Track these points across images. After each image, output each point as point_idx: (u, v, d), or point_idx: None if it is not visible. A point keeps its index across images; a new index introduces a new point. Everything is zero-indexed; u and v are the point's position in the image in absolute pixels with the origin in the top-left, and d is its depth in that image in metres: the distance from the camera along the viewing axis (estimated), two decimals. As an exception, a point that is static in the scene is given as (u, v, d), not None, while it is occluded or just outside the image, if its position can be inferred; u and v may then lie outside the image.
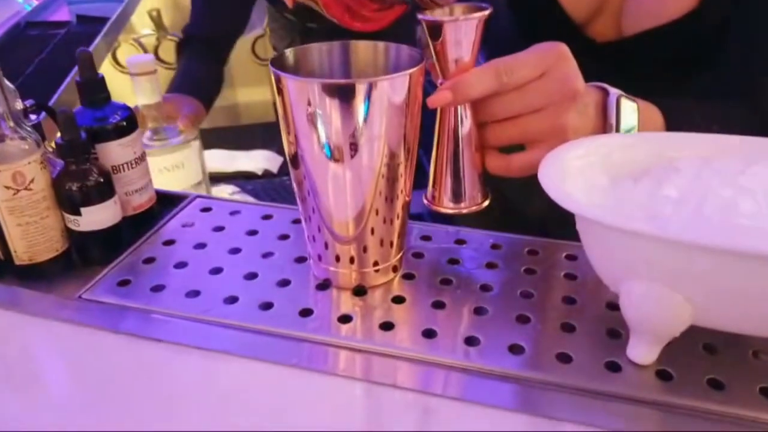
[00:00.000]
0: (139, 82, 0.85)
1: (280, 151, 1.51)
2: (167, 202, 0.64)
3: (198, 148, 0.95)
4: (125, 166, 0.58)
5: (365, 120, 0.44)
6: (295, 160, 0.48)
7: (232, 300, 0.50)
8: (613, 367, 0.42)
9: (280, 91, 0.45)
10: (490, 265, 0.53)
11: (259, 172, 1.49)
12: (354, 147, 0.45)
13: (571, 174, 0.43)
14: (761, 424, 0.38)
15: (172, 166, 0.91)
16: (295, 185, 0.50)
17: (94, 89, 0.58)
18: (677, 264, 0.37)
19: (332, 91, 0.43)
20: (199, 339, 0.46)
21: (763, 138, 0.46)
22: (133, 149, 0.59)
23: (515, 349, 0.44)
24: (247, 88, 1.91)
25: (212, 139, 1.42)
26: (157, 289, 0.52)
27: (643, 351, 0.42)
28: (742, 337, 0.44)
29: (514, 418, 0.39)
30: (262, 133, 1.69)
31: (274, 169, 1.51)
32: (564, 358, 0.43)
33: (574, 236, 0.43)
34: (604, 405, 0.40)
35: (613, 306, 0.48)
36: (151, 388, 0.43)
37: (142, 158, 0.60)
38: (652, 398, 0.40)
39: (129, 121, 0.58)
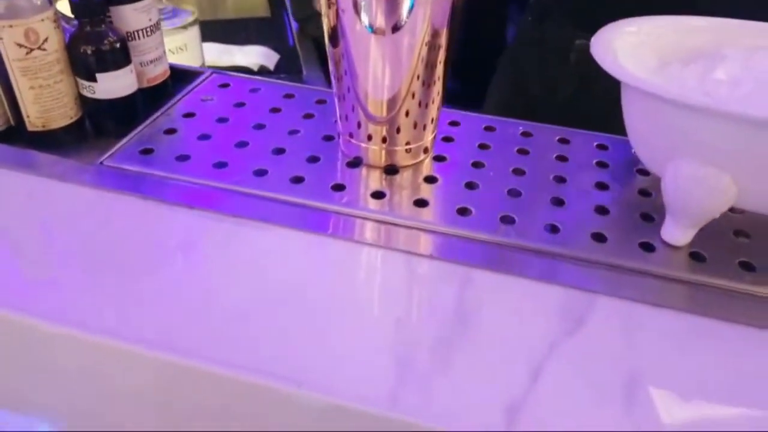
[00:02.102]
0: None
1: (276, 48, 1.45)
2: (182, 77, 0.62)
3: (197, 33, 0.91)
4: (140, 33, 0.55)
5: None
6: (335, 36, 0.46)
7: (262, 173, 0.49)
8: (647, 248, 0.43)
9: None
10: (522, 151, 0.53)
11: (255, 68, 1.44)
12: (397, 22, 0.43)
13: (623, 51, 0.42)
14: (788, 304, 0.40)
15: (176, 48, 0.87)
16: (331, 63, 0.48)
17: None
18: (730, 142, 0.37)
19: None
20: (232, 207, 0.46)
21: None
22: (148, 15, 0.56)
23: (551, 229, 0.44)
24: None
25: (204, 31, 1.36)
26: (183, 158, 0.50)
27: (678, 233, 0.42)
28: (772, 225, 0.45)
29: (548, 289, 0.40)
30: (256, 28, 1.62)
31: (271, 65, 1.45)
32: (599, 238, 0.44)
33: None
34: (637, 280, 0.41)
35: (645, 192, 0.48)
36: (184, 254, 0.42)
37: (157, 26, 0.57)
38: (685, 277, 0.41)
39: (144, -15, 0.55)
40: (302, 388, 0.34)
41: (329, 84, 0.50)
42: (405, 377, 0.34)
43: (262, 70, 1.44)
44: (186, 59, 0.89)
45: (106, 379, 0.39)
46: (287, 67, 1.37)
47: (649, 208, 0.46)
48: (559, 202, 0.47)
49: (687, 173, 0.39)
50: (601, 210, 0.46)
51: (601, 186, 0.49)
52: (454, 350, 0.36)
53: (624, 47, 0.42)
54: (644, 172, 0.50)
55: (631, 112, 0.41)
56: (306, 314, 0.38)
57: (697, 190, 0.39)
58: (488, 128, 0.56)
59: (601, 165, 0.51)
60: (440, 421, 0.32)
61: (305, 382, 0.34)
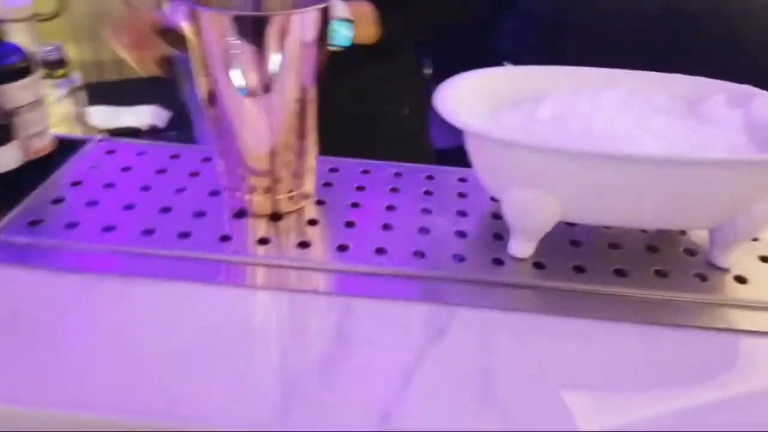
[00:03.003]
0: (14, 29, 0.81)
1: (168, 106, 1.47)
2: (69, 146, 0.64)
3: (84, 98, 0.93)
4: (24, 108, 0.58)
5: (280, 53, 0.47)
6: (212, 99, 0.51)
7: (149, 232, 0.52)
8: (498, 262, 0.50)
9: (195, 27, 0.47)
10: (394, 190, 0.59)
11: (145, 128, 1.45)
12: (268, 84, 0.48)
13: (460, 102, 0.50)
14: (616, 296, 0.48)
15: (62, 115, 0.88)
16: (211, 124, 0.53)
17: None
18: (549, 170, 0.45)
19: (247, 23, 0.46)
20: (121, 267, 0.49)
21: (621, 70, 0.55)
22: (32, 91, 0.58)
23: (418, 255, 0.51)
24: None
25: (93, 94, 1.36)
26: (71, 226, 0.53)
27: (521, 247, 0.50)
28: (601, 232, 0.54)
29: (415, 307, 0.46)
30: (147, 88, 1.63)
31: (161, 123, 1.47)
32: (458, 258, 0.51)
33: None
34: (490, 291, 0.48)
35: (496, 216, 0.55)
36: (74, 318, 0.45)
37: (40, 102, 0.60)
38: (529, 283, 0.49)
39: (27, 63, 0.57)
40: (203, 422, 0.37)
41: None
42: (293, 397, 0.39)
43: (153, 130, 1.45)
44: (73, 126, 0.90)
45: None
46: (179, 124, 1.39)
47: (500, 228, 0.54)
48: (425, 231, 0.54)
49: (518, 197, 0.47)
50: (461, 234, 0.53)
51: (461, 213, 0.56)
52: (336, 369, 0.41)
53: (461, 97, 0.50)
54: (496, 198, 0.58)
55: (471, 151, 0.49)
56: (201, 357, 0.41)
57: (528, 210, 0.47)
58: (364, 171, 0.62)
59: (461, 195, 0.59)
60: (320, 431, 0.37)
61: (205, 416, 0.38)
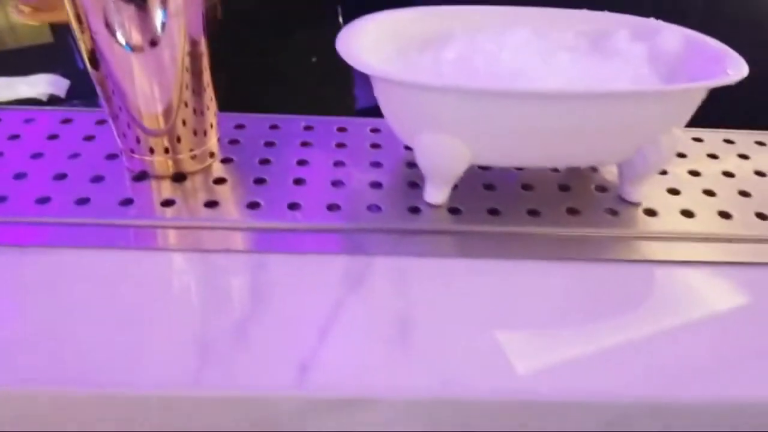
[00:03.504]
0: None
1: (67, 74, 1.38)
2: (-56, 116, 0.58)
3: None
4: None
5: (163, 4, 0.44)
6: (94, 59, 0.47)
7: (44, 200, 0.49)
8: (415, 210, 0.50)
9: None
10: (305, 144, 0.57)
11: (44, 98, 1.35)
12: (154, 36, 0.45)
13: (365, 46, 0.48)
14: (531, 236, 0.48)
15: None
16: (97, 86, 0.49)
17: None
18: (455, 112, 0.44)
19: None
20: (16, 238, 0.45)
21: (526, 8, 0.54)
22: None
23: (333, 208, 0.50)
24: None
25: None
26: (-47, 199, 0.48)
27: (436, 193, 0.50)
28: (514, 174, 0.54)
29: (332, 259, 0.45)
30: (39, 56, 1.52)
31: (62, 93, 1.38)
32: (374, 209, 0.50)
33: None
34: (407, 239, 0.47)
35: (411, 164, 0.55)
36: (-32, 290, 0.41)
37: None
38: (446, 228, 0.48)
39: None
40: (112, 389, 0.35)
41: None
42: (208, 358, 0.37)
43: (53, 99, 1.36)
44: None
45: None
46: (80, 92, 1.30)
47: (415, 177, 0.53)
48: (339, 184, 0.52)
49: (428, 142, 0.46)
50: (376, 185, 0.52)
51: (375, 164, 0.55)
52: (252, 327, 0.39)
53: (366, 41, 0.48)
54: (410, 147, 0.57)
55: (379, 96, 0.48)
56: (112, 323, 0.39)
57: (439, 155, 0.46)
58: (273, 126, 0.60)
59: (374, 146, 0.58)
60: (240, 389, 0.36)
61: (119, 382, 0.35)
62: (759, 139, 0.61)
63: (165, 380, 0.36)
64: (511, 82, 0.45)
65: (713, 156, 0.58)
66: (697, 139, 0.60)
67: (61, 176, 0.51)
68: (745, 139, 0.61)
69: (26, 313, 0.40)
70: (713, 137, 0.61)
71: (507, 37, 0.49)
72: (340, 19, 0.95)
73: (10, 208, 0.48)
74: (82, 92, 1.32)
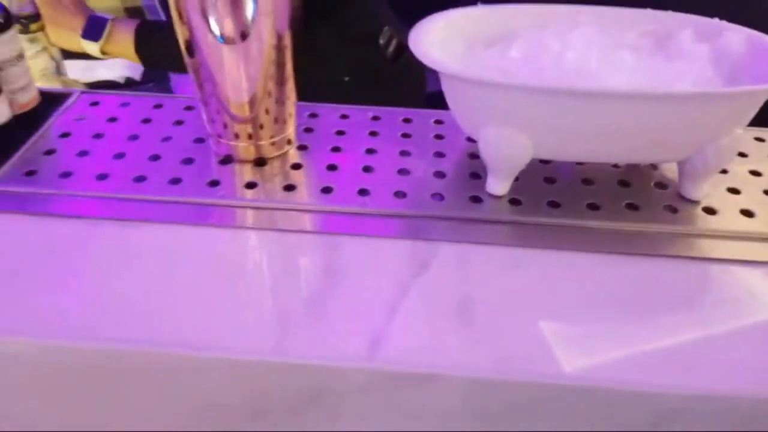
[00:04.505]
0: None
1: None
2: (53, 100, 0.65)
3: (58, 53, 0.92)
4: (8, 63, 0.58)
5: (253, 4, 0.48)
6: (190, 48, 0.51)
7: (141, 179, 0.54)
8: (477, 200, 0.53)
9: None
10: (372, 133, 0.61)
11: (122, 81, 1.44)
12: (244, 31, 0.49)
13: (435, 42, 0.51)
14: (589, 229, 0.50)
15: (40, 71, 0.88)
16: (192, 73, 0.54)
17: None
18: (519, 108, 0.47)
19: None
20: (117, 212, 0.51)
21: (591, 6, 0.56)
22: (10, 47, 0.58)
23: (399, 195, 0.53)
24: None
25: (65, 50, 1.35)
26: (65, 175, 0.54)
27: (498, 184, 0.52)
28: (575, 168, 0.56)
29: (399, 243, 0.49)
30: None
31: (137, 76, 1.46)
32: (438, 197, 0.53)
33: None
34: (469, 227, 0.50)
35: (474, 155, 0.58)
36: (77, 256, 0.47)
37: (21, 56, 0.60)
38: (506, 218, 0.51)
39: (4, 18, 0.57)
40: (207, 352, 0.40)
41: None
42: (287, 328, 0.41)
43: (129, 82, 1.44)
44: (51, 80, 0.90)
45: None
46: (154, 75, 1.37)
47: (477, 168, 0.56)
48: (405, 172, 0.56)
49: (493, 136, 0.49)
50: (439, 174, 0.56)
51: (439, 154, 0.58)
52: (326, 302, 0.43)
53: (435, 37, 0.51)
54: (472, 139, 0.60)
55: (447, 91, 0.51)
56: (199, 293, 0.44)
57: (502, 148, 0.49)
58: (343, 116, 0.64)
59: (438, 137, 0.61)
60: (315, 358, 0.40)
61: (207, 346, 0.40)
62: (826, 139, 0.61)
63: (250, 347, 0.41)
64: (576, 80, 0.47)
65: (776, 156, 0.58)
66: (759, 139, 0.61)
67: (155, 157, 0.57)
68: (811, 139, 0.61)
69: (125, 280, 0.45)
70: (776, 137, 0.61)
71: (572, 36, 0.51)
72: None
73: (112, 185, 0.53)
74: (155, 76, 1.39)
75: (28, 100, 0.61)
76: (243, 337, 0.41)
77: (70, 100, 0.65)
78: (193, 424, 0.44)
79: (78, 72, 1.40)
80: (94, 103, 0.65)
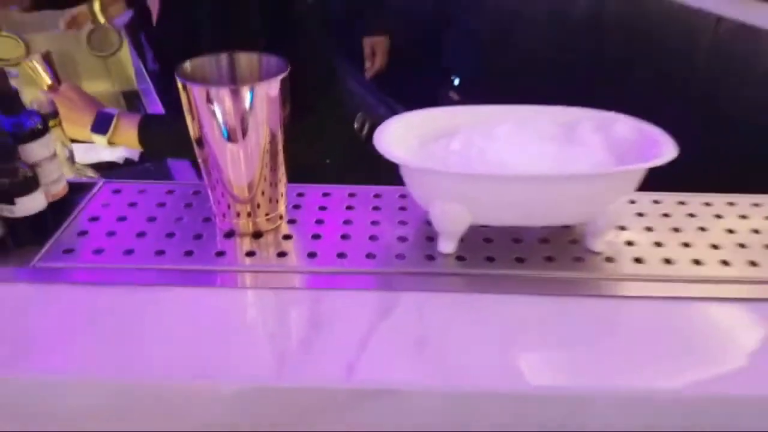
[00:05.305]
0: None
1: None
2: (78, 189, 0.78)
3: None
4: (44, 161, 0.72)
5: (250, 111, 0.63)
6: (200, 142, 0.66)
7: (161, 252, 0.67)
8: (431, 258, 0.67)
9: (186, 94, 0.63)
10: (349, 207, 0.75)
11: (121, 161, 1.58)
12: (244, 132, 0.64)
13: (395, 137, 0.66)
14: (517, 277, 0.64)
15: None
16: (201, 162, 0.68)
17: (12, 102, 0.70)
18: (459, 188, 0.62)
19: (225, 93, 0.62)
20: (144, 280, 0.63)
21: (513, 105, 0.72)
22: (48, 148, 0.72)
23: (370, 256, 0.67)
24: (91, 81, 1.94)
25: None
26: (98, 252, 0.67)
27: (447, 245, 0.67)
28: (506, 230, 0.71)
29: (372, 294, 0.62)
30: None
31: (135, 157, 1.60)
32: (401, 257, 0.67)
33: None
34: (425, 279, 0.64)
35: (429, 223, 0.72)
36: (118, 314, 0.59)
37: (55, 154, 0.74)
38: (454, 271, 0.65)
39: (43, 125, 0.71)
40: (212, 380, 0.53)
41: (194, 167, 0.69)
42: (283, 361, 0.54)
43: (128, 162, 1.58)
44: (66, 167, 1.03)
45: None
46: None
47: (431, 232, 0.70)
48: (375, 238, 0.70)
49: (440, 209, 0.63)
50: (402, 238, 0.70)
51: (402, 222, 0.73)
52: (312, 341, 0.56)
53: (395, 136, 0.66)
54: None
55: (404, 176, 0.65)
56: (213, 337, 0.57)
57: (447, 218, 0.64)
58: (325, 194, 0.78)
59: (402, 209, 0.75)
60: (305, 382, 0.53)
61: (222, 377, 0.53)
62: (707, 200, 0.77)
63: (255, 376, 0.53)
64: (498, 167, 0.62)
65: (666, 215, 0.74)
66: (656, 201, 0.76)
67: (171, 234, 0.70)
68: (695, 200, 0.77)
69: (147, 331, 0.58)
70: (668, 199, 0.76)
71: (496, 130, 0.66)
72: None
73: (137, 258, 0.66)
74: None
75: (60, 189, 0.75)
76: (250, 369, 0.54)
77: (95, 189, 0.79)
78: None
79: (82, 153, 1.55)
80: (116, 191, 0.78)
